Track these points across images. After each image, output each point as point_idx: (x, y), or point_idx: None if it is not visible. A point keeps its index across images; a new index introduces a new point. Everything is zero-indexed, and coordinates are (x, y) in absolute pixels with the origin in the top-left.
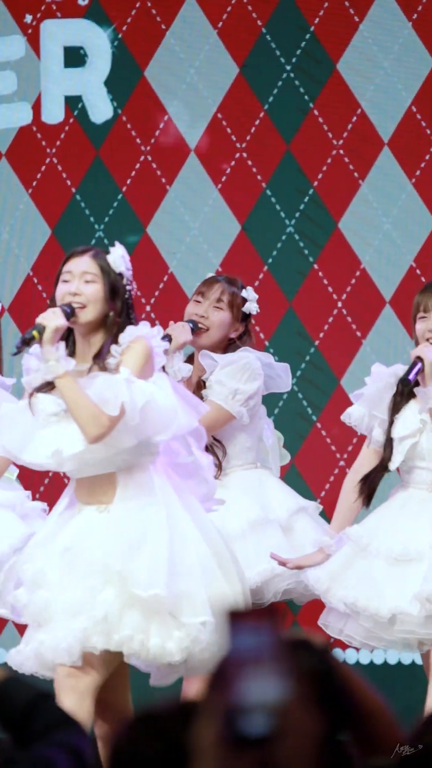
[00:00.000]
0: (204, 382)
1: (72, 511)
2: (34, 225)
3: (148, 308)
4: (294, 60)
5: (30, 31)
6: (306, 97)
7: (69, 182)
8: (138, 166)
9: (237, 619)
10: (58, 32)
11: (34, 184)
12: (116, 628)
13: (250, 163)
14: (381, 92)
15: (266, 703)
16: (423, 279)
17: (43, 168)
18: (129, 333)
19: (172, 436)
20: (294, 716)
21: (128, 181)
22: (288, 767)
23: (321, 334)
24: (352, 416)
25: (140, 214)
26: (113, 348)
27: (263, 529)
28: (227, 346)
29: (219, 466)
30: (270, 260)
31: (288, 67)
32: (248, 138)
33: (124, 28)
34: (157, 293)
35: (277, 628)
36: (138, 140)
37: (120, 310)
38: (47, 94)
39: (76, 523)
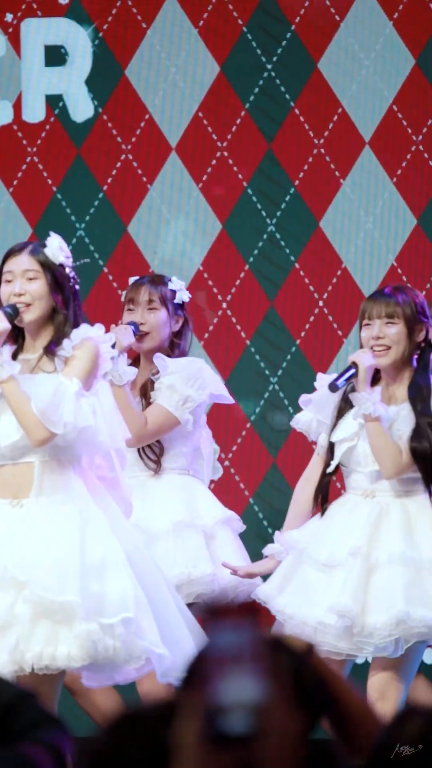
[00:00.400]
0: (152, 383)
1: None
2: (15, 224)
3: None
4: (275, 59)
5: (10, 30)
6: (287, 95)
7: (50, 181)
8: (119, 164)
9: (217, 617)
10: (38, 31)
11: (15, 182)
12: (27, 647)
13: (231, 161)
14: (362, 91)
15: (246, 702)
16: (404, 278)
17: (24, 167)
18: (83, 331)
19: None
20: (274, 715)
21: (109, 180)
22: (268, 767)
23: (302, 333)
24: (299, 422)
25: (121, 212)
26: (65, 342)
27: (186, 533)
28: (171, 344)
29: (157, 463)
30: (251, 259)
31: (269, 66)
32: (229, 137)
33: (105, 27)
34: None
35: (257, 627)
36: (119, 139)
37: (65, 301)
38: (28, 92)
39: None
